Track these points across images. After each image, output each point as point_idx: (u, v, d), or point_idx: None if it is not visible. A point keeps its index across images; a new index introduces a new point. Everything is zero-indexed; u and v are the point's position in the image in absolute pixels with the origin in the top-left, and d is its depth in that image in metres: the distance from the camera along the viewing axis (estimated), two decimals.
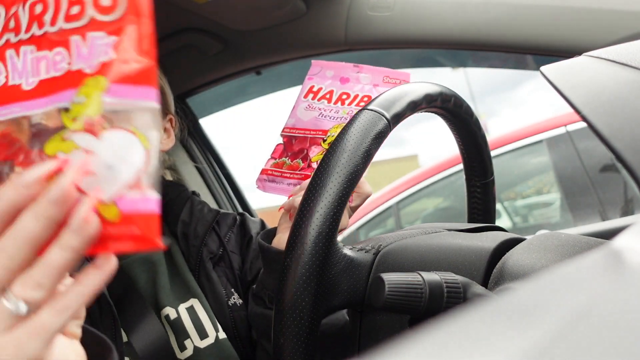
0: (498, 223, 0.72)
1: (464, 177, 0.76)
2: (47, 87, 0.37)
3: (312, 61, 0.84)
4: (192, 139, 1.36)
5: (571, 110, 0.40)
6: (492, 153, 0.75)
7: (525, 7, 0.88)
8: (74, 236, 0.32)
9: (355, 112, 0.77)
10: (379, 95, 0.56)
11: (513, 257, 0.47)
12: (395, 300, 0.42)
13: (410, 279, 0.43)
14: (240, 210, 1.42)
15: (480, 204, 0.75)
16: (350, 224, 2.85)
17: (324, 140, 0.79)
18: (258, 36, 1.03)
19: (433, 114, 0.65)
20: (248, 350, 0.77)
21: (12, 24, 0.38)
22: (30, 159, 0.36)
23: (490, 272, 0.48)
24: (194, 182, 1.36)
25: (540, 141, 2.32)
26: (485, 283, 0.48)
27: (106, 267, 0.34)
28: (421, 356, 0.14)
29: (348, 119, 0.76)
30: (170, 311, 0.71)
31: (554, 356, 0.14)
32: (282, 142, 0.82)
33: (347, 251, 0.54)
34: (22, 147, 0.36)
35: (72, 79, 0.36)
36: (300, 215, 0.49)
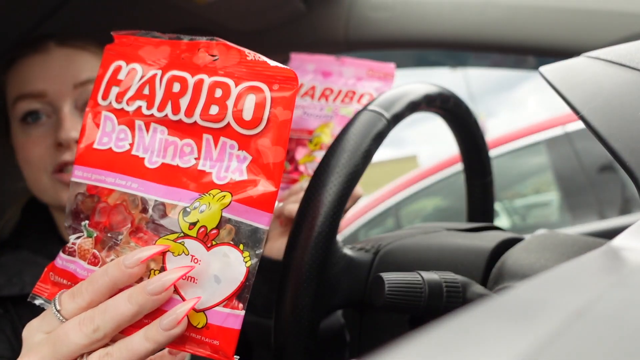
0: (497, 223, 0.72)
1: (464, 177, 0.76)
2: (169, 174, 0.37)
3: (291, 55, 0.79)
4: None
5: (570, 110, 0.40)
6: (491, 153, 0.75)
7: (525, 8, 0.88)
8: (161, 332, 0.35)
9: (340, 109, 0.76)
10: (379, 96, 0.56)
11: (512, 256, 0.47)
12: (395, 300, 0.42)
13: (409, 278, 0.43)
14: None
15: (480, 203, 0.75)
16: (350, 224, 2.85)
17: (310, 141, 0.76)
18: (258, 37, 1.03)
19: (433, 114, 0.66)
20: (244, 353, 0.77)
21: (146, 90, 0.38)
22: (142, 238, 0.37)
23: (490, 271, 0.48)
24: None
25: (538, 141, 2.32)
26: (484, 282, 0.48)
27: (181, 356, 0.39)
28: (421, 356, 0.15)
29: (333, 117, 0.76)
30: None
31: (553, 356, 0.14)
32: None
33: (347, 251, 0.55)
34: (133, 223, 0.37)
35: (198, 180, 0.36)
36: (300, 215, 0.49)
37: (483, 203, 0.75)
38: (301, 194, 0.69)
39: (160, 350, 0.36)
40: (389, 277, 0.43)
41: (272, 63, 0.36)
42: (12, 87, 0.71)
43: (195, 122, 0.36)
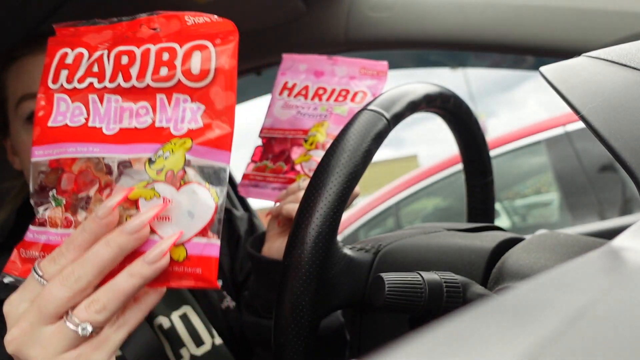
0: (497, 223, 0.72)
1: (464, 177, 0.76)
2: (128, 136, 0.40)
3: (283, 55, 0.79)
4: None
5: (570, 110, 0.40)
6: (492, 153, 0.75)
7: (525, 8, 0.88)
8: (146, 266, 0.36)
9: (334, 108, 0.76)
10: (379, 96, 0.56)
11: (512, 256, 0.47)
12: (395, 300, 0.42)
13: (410, 278, 0.43)
14: (242, 211, 1.42)
15: (480, 203, 0.75)
16: (350, 224, 2.85)
17: (306, 141, 0.76)
18: (258, 36, 1.03)
19: (433, 114, 0.65)
20: (245, 354, 0.76)
21: (95, 68, 0.41)
22: (112, 194, 0.39)
23: (490, 271, 0.48)
24: None
25: (539, 141, 2.32)
26: (484, 283, 0.48)
27: (161, 290, 0.38)
28: (421, 356, 0.15)
29: (328, 116, 0.76)
30: (163, 320, 0.69)
31: (553, 356, 0.14)
32: (261, 144, 0.79)
33: (347, 251, 0.55)
34: (101, 183, 0.39)
35: (157, 135, 0.39)
36: (300, 215, 0.49)
37: (483, 203, 0.75)
38: (299, 194, 0.69)
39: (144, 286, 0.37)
40: (389, 277, 0.43)
41: (213, 18, 0.40)
42: (16, 85, 0.70)
43: (147, 85, 0.39)
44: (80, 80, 0.41)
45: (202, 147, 0.38)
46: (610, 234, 0.34)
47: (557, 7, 0.86)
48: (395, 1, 0.96)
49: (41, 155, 0.41)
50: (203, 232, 0.38)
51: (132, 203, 0.38)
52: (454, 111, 0.64)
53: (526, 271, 0.44)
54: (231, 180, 1.44)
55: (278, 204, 0.72)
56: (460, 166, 0.81)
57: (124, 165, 0.39)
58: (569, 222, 2.15)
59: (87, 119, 0.40)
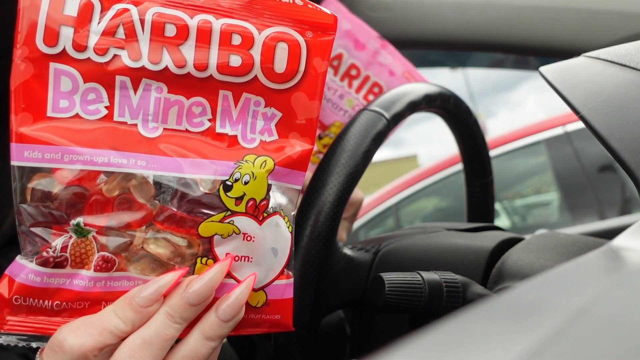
0: (497, 223, 0.72)
1: (464, 177, 0.76)
2: (180, 144, 0.29)
3: None
4: None
5: (570, 110, 0.40)
6: (491, 153, 0.75)
7: (525, 8, 0.88)
8: (221, 326, 0.29)
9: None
10: (379, 96, 0.56)
11: (512, 256, 0.47)
12: (395, 300, 0.42)
13: (409, 278, 0.43)
14: None
15: (480, 203, 0.75)
16: None
17: (320, 138, 0.64)
18: None
19: (433, 114, 0.65)
20: (247, 350, 0.77)
21: (120, 32, 0.28)
22: (174, 222, 0.29)
23: (490, 271, 0.48)
24: None
25: (538, 141, 2.32)
26: (484, 282, 0.48)
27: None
28: (421, 356, 0.15)
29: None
30: None
31: (553, 356, 0.14)
32: None
33: (347, 251, 0.55)
34: (150, 212, 0.29)
35: (224, 147, 0.29)
36: (301, 215, 0.49)
37: (483, 203, 0.75)
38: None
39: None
40: (389, 277, 0.43)
41: (309, 2, 0.30)
42: None
43: (210, 75, 0.29)
44: (99, 50, 0.28)
45: (283, 169, 0.31)
46: (610, 234, 0.34)
47: (557, 7, 0.86)
48: (395, 1, 0.96)
49: (37, 159, 0.27)
50: (281, 272, 0.32)
51: (201, 241, 0.29)
52: (454, 111, 0.64)
53: (526, 271, 0.44)
54: None
55: None
56: (460, 166, 0.81)
57: (185, 187, 0.28)
58: (569, 222, 2.15)
59: (110, 109, 0.28)
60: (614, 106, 0.37)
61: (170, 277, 0.28)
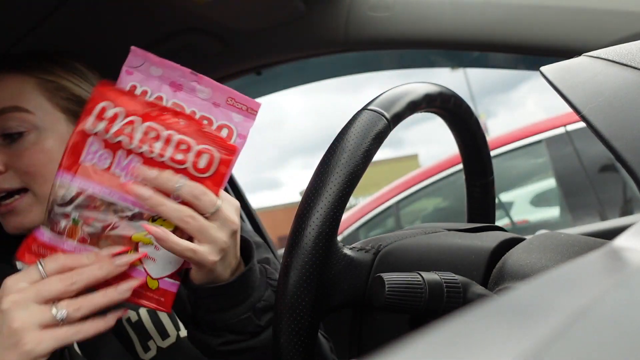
0: (497, 223, 0.72)
1: (464, 177, 0.76)
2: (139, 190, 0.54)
3: (132, 48, 0.60)
4: None
5: (571, 110, 0.40)
6: (492, 153, 0.75)
7: (525, 8, 0.88)
8: (117, 294, 0.52)
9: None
10: (379, 95, 0.56)
11: (513, 257, 0.47)
12: (395, 300, 0.42)
13: (410, 278, 0.43)
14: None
15: (480, 204, 0.75)
16: (350, 224, 2.85)
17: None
18: (258, 36, 1.03)
19: (433, 114, 0.65)
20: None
21: (127, 129, 0.53)
22: (118, 232, 0.54)
23: (490, 272, 0.48)
24: None
25: (539, 141, 2.32)
26: (485, 283, 0.48)
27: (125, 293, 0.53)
28: (421, 357, 0.15)
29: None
30: (131, 313, 0.69)
31: (554, 356, 0.14)
32: None
33: (347, 251, 0.55)
34: (114, 225, 0.54)
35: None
36: (300, 215, 0.49)
37: (483, 203, 0.75)
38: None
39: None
40: (389, 277, 0.42)
41: (221, 134, 0.55)
42: None
43: (163, 161, 0.53)
44: (115, 134, 0.53)
45: None
46: (610, 234, 0.34)
47: (557, 7, 0.86)
48: (395, 1, 0.96)
49: (71, 181, 0.53)
50: (172, 275, 0.55)
51: (133, 244, 0.53)
52: (454, 111, 0.64)
53: (527, 271, 0.44)
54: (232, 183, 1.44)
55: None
56: (460, 166, 0.80)
57: (135, 216, 0.53)
58: (569, 222, 2.15)
59: (110, 165, 0.53)
60: (615, 106, 0.37)
61: (134, 255, 0.55)
